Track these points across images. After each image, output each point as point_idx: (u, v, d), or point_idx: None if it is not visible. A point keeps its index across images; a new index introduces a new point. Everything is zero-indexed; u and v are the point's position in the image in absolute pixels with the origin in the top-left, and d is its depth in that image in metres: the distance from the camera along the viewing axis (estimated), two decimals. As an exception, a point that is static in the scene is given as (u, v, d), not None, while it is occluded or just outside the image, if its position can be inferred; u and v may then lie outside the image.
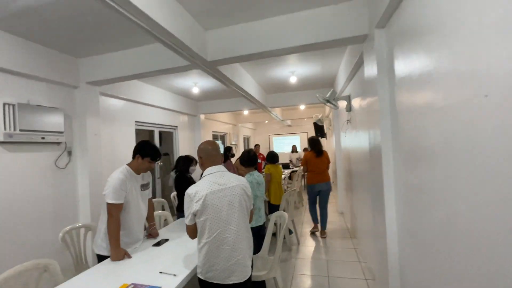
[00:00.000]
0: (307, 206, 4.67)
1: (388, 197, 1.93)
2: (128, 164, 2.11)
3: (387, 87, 1.92)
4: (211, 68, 3.05)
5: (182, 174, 3.27)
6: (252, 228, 1.86)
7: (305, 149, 8.15)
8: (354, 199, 4.13)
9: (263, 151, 13.43)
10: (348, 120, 4.18)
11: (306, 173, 4.53)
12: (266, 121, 11.52)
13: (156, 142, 5.33)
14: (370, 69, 2.18)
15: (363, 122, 2.96)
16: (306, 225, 4.98)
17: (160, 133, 6.15)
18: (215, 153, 1.72)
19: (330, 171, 4.71)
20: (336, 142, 5.74)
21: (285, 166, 8.59)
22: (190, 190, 1.57)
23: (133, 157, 2.11)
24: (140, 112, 4.75)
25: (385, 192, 1.93)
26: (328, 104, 4.18)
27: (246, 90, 4.53)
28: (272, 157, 4.39)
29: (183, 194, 1.63)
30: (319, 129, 8.54)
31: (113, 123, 4.10)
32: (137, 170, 2.12)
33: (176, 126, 6.02)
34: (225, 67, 3.41)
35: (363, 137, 3.04)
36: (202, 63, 2.84)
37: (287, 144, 10.40)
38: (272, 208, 4.23)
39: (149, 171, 2.28)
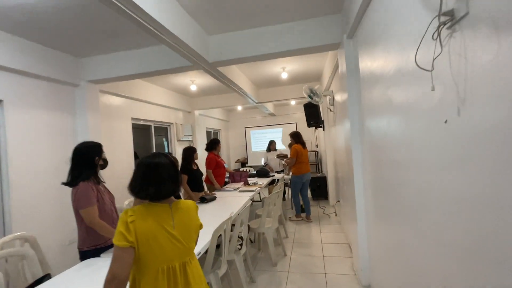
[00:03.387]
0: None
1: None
2: None
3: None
4: None
5: None
6: None
7: (289, 145, 5.12)
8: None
9: (238, 151, 9.44)
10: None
11: (292, 167, 4.64)
12: (240, 107, 8.36)
13: None
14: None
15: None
16: None
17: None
18: None
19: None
20: (353, 128, 2.65)
21: (262, 173, 5.37)
22: None
23: None
24: None
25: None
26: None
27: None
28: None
29: None
30: (313, 113, 5.47)
31: None
32: None
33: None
34: None
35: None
36: None
37: (270, 139, 7.07)
38: None
39: None
